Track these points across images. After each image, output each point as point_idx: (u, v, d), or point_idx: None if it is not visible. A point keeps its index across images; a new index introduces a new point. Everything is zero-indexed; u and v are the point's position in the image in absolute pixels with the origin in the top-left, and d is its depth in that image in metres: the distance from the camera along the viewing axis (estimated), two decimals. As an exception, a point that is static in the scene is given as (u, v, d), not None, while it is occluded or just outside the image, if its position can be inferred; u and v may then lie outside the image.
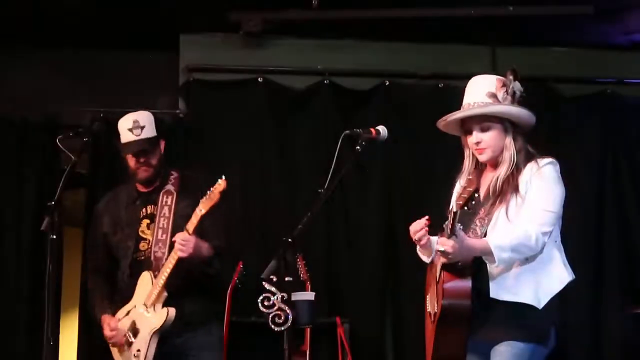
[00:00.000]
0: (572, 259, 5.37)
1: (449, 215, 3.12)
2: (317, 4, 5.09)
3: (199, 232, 3.98)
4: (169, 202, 4.17)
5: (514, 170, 3.30)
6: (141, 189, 4.25)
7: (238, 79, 5.53)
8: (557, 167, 3.32)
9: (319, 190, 3.19)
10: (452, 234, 3.07)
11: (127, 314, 4.14)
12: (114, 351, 4.21)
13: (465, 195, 3.10)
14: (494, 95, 3.36)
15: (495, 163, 3.37)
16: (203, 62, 5.52)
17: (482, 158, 3.36)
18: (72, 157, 3.95)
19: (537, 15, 5.28)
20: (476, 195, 3.22)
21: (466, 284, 3.20)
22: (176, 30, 5.49)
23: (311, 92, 5.55)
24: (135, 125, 4.19)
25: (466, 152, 3.44)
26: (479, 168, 3.43)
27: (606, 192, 5.54)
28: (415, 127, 5.42)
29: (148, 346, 4.01)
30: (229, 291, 4.61)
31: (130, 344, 4.10)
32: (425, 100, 5.49)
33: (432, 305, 3.37)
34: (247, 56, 5.57)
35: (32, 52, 5.66)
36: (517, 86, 3.42)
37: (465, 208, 3.13)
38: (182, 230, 3.98)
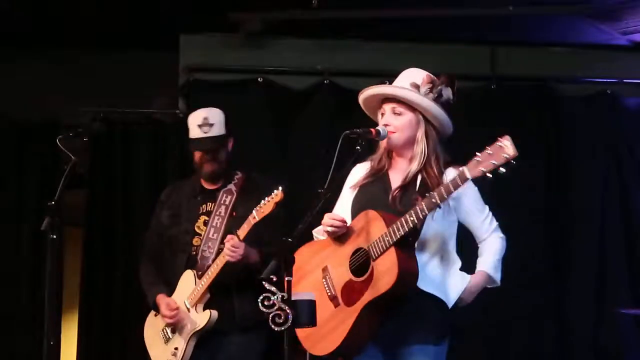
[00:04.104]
0: (575, 258, 5.43)
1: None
2: (317, 4, 5.09)
3: (252, 235, 3.96)
4: (227, 202, 4.17)
5: (433, 170, 3.32)
6: (205, 185, 4.26)
7: (238, 79, 5.53)
8: None
9: (319, 190, 3.19)
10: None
11: None
12: (150, 344, 4.21)
13: (368, 177, 3.26)
14: (416, 86, 3.36)
15: (403, 154, 3.40)
16: (203, 62, 5.52)
17: (389, 141, 3.37)
18: (72, 157, 3.94)
19: (537, 15, 5.28)
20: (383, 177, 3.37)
21: (415, 265, 3.20)
22: (176, 30, 5.49)
23: (311, 92, 5.55)
24: (204, 122, 4.19)
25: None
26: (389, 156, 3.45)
27: (608, 192, 5.54)
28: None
29: (186, 345, 4.02)
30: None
31: (167, 339, 4.11)
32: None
33: (338, 285, 3.27)
34: (247, 56, 5.57)
35: (32, 52, 5.66)
36: (446, 92, 3.38)
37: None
38: (233, 232, 3.97)
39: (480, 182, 3.13)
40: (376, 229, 3.22)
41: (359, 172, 3.48)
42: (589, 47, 5.74)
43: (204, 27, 5.48)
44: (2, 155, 5.50)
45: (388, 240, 3.16)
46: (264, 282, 2.92)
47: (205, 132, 4.18)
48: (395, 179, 3.40)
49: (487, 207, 3.45)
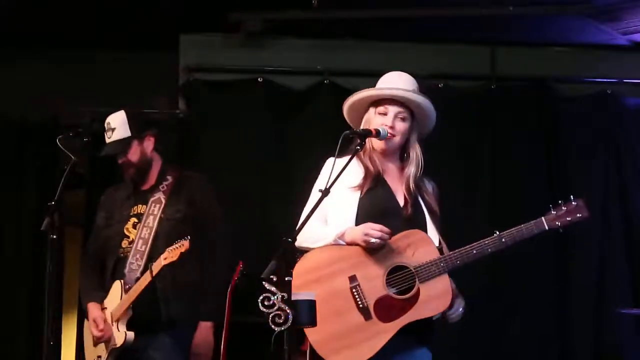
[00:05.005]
0: (575, 258, 5.43)
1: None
2: (317, 4, 5.09)
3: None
4: (155, 211, 4.11)
5: (422, 178, 3.45)
6: (138, 185, 4.21)
7: (238, 79, 5.53)
8: None
9: (319, 190, 3.19)
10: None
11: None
12: (85, 341, 4.18)
13: (369, 181, 3.35)
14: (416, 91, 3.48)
15: (391, 157, 3.48)
16: (203, 62, 5.52)
17: (387, 143, 3.43)
18: (72, 157, 3.94)
19: (537, 15, 5.28)
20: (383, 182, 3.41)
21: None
22: (176, 30, 5.49)
23: (311, 92, 5.55)
24: (107, 127, 4.17)
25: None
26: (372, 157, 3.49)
27: (608, 192, 5.53)
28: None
29: (107, 357, 4.00)
30: (229, 291, 4.61)
31: (95, 343, 4.08)
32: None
33: (370, 298, 3.25)
34: (247, 56, 5.57)
35: (32, 52, 5.66)
36: None
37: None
38: (164, 237, 3.94)
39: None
40: (427, 252, 3.28)
41: (353, 171, 3.43)
42: (589, 47, 5.74)
43: (204, 27, 5.48)
44: (2, 155, 5.49)
45: (444, 267, 3.27)
46: (264, 282, 2.92)
47: (108, 137, 4.16)
48: (394, 185, 3.45)
49: None
